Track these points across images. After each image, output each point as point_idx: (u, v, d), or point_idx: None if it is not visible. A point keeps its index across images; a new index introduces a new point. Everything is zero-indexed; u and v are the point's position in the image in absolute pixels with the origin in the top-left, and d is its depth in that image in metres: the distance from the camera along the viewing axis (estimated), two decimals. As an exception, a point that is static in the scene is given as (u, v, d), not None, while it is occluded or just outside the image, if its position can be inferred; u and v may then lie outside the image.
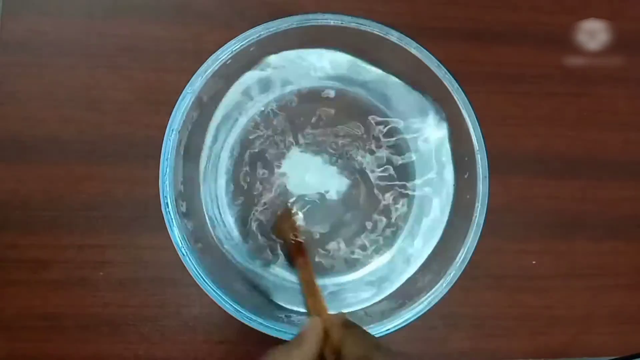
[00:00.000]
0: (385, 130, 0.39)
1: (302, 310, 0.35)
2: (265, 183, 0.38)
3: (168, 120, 0.33)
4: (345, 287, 0.38)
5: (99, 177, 0.38)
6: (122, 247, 0.38)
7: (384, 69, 0.39)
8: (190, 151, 0.36)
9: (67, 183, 0.38)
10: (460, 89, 0.35)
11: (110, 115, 0.39)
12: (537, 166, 0.43)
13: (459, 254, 0.34)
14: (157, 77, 0.40)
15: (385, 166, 0.39)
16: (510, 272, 0.41)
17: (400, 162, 0.39)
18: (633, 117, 0.44)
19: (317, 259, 0.37)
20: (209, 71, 0.33)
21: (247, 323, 0.32)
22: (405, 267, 0.38)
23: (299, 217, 0.37)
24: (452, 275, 0.33)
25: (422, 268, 0.37)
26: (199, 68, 0.33)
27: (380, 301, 0.37)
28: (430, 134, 0.39)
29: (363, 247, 0.38)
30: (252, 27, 0.34)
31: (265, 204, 0.38)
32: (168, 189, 0.32)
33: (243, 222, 0.38)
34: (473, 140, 0.35)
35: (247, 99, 0.38)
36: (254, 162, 0.38)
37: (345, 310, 0.36)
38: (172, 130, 0.33)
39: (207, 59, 0.34)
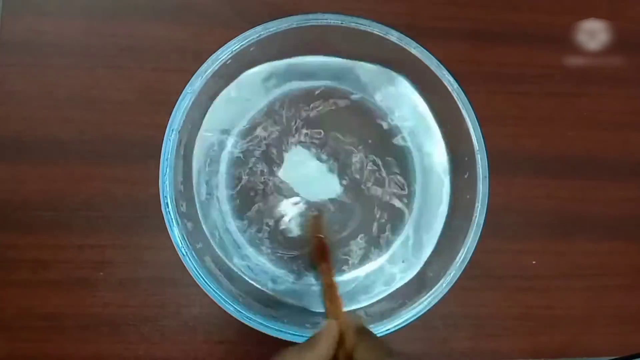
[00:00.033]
0: (384, 130, 0.39)
1: (295, 303, 0.36)
2: (264, 184, 0.38)
3: (168, 120, 0.33)
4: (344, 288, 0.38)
5: (99, 177, 0.38)
6: (122, 247, 0.38)
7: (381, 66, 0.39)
8: (190, 151, 0.36)
9: (67, 183, 0.38)
10: (460, 89, 0.35)
11: (110, 115, 0.39)
12: (537, 166, 0.43)
13: (459, 254, 0.34)
14: (157, 77, 0.40)
15: (384, 167, 0.39)
16: (510, 272, 0.41)
17: (398, 163, 0.39)
18: (633, 117, 0.44)
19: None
20: (209, 71, 0.33)
21: (247, 323, 0.32)
22: (404, 268, 0.38)
23: (322, 221, 0.37)
24: (452, 275, 0.34)
25: (422, 268, 0.37)
26: (199, 68, 0.33)
27: (380, 301, 0.37)
28: (427, 136, 0.39)
29: (360, 248, 0.38)
30: (252, 27, 0.34)
31: (262, 203, 0.38)
32: (168, 189, 0.32)
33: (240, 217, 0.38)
34: (473, 140, 0.35)
35: (245, 101, 0.38)
36: (252, 163, 0.38)
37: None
38: (172, 130, 0.33)
39: (207, 59, 0.34)
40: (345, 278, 0.38)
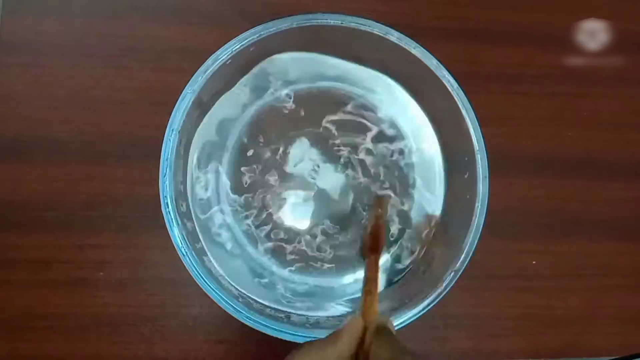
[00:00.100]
0: (382, 131, 0.39)
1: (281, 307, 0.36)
2: (266, 180, 0.38)
3: (168, 120, 0.33)
4: (345, 286, 0.38)
5: (99, 177, 0.38)
6: (122, 247, 0.38)
7: (380, 69, 0.39)
8: (190, 151, 0.36)
9: (67, 183, 0.38)
10: (460, 89, 0.35)
11: (110, 115, 0.39)
12: (537, 166, 0.43)
13: (459, 254, 0.34)
14: (157, 77, 0.40)
15: (383, 166, 0.39)
16: (510, 272, 0.41)
17: (396, 163, 0.39)
18: (633, 117, 0.44)
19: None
20: (209, 71, 0.33)
21: (247, 323, 0.32)
22: (404, 262, 0.38)
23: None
24: (452, 275, 0.34)
25: (422, 268, 0.38)
26: (199, 68, 0.33)
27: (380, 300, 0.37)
28: (422, 139, 0.39)
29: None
30: (252, 27, 0.34)
31: (262, 199, 0.38)
32: (168, 189, 0.32)
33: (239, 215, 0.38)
34: (473, 140, 0.35)
35: (246, 100, 0.38)
36: (252, 160, 0.38)
37: (345, 310, 0.37)
38: (172, 130, 0.33)
39: (207, 59, 0.34)
40: (347, 281, 0.38)
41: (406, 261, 0.38)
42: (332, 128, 0.39)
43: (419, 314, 0.33)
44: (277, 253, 0.38)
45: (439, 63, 0.35)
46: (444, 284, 0.33)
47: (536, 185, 0.42)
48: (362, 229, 0.37)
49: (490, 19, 0.44)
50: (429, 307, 0.33)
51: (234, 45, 0.34)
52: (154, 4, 0.41)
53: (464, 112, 0.35)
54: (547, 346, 0.41)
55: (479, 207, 0.34)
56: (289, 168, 0.38)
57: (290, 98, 0.39)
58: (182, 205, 0.34)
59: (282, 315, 0.35)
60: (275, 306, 0.36)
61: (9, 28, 0.39)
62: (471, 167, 0.35)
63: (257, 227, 0.38)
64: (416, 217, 0.39)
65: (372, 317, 0.28)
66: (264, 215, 0.38)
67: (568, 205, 0.43)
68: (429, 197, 0.39)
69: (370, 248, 0.33)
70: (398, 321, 0.32)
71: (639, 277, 0.43)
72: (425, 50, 0.35)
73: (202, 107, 0.36)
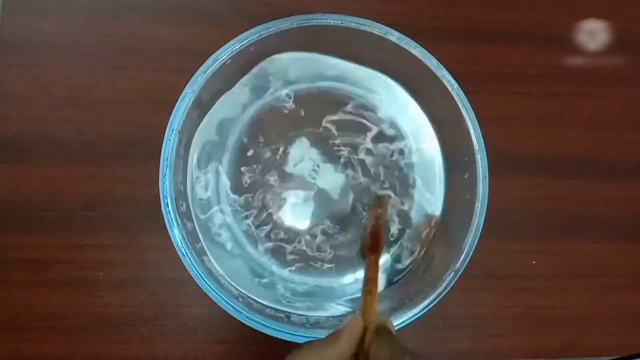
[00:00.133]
0: (382, 131, 0.39)
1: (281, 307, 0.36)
2: (266, 180, 0.38)
3: (168, 120, 0.33)
4: (344, 285, 0.38)
5: (99, 177, 0.38)
6: (122, 247, 0.38)
7: (380, 69, 0.39)
8: (190, 151, 0.36)
9: (67, 183, 0.38)
10: (460, 89, 0.35)
11: (110, 115, 0.39)
12: (537, 166, 0.43)
13: (459, 254, 0.34)
14: (157, 77, 0.40)
15: (383, 166, 0.39)
16: (510, 272, 0.41)
17: (396, 163, 0.39)
18: (633, 117, 0.44)
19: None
20: (209, 71, 0.33)
21: (247, 323, 0.32)
22: (404, 262, 0.38)
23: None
24: (452, 275, 0.34)
25: (422, 268, 0.38)
26: (199, 68, 0.33)
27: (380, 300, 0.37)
28: (422, 139, 0.39)
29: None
30: (252, 27, 0.34)
31: (262, 198, 0.38)
32: (168, 189, 0.32)
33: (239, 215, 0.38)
34: (473, 140, 0.35)
35: (246, 100, 0.38)
36: (252, 160, 0.38)
37: (345, 310, 0.37)
38: (172, 130, 0.33)
39: (207, 59, 0.34)
40: (346, 281, 0.38)
41: (406, 261, 0.38)
42: (332, 128, 0.39)
43: (419, 314, 0.33)
44: (277, 253, 0.38)
45: (439, 63, 0.35)
46: (444, 284, 0.33)
47: (536, 185, 0.42)
48: (362, 229, 0.37)
49: (490, 19, 0.44)
50: (429, 307, 0.33)
51: (234, 45, 0.34)
52: (154, 4, 0.41)
53: (464, 112, 0.35)
54: (547, 346, 0.41)
55: (479, 207, 0.34)
56: (289, 168, 0.38)
57: (290, 98, 0.39)
58: (182, 205, 0.34)
59: (282, 315, 0.35)
60: (275, 306, 0.36)
61: (9, 28, 0.39)
62: (471, 167, 0.35)
63: (257, 227, 0.38)
64: (416, 217, 0.39)
65: (372, 317, 0.28)
66: (264, 215, 0.38)
67: (568, 205, 0.43)
68: (429, 197, 0.39)
69: (370, 248, 0.33)
70: (398, 321, 0.32)
71: (639, 277, 0.43)
72: (425, 50, 0.35)
73: (202, 107, 0.36)
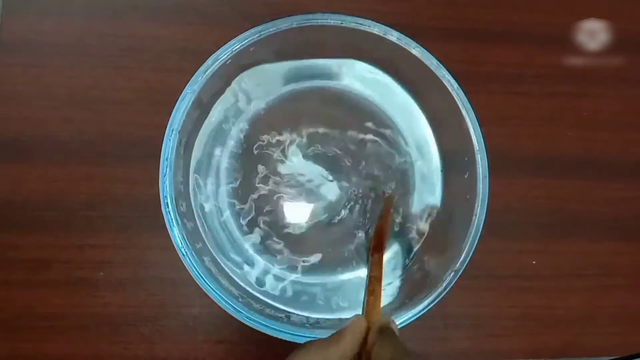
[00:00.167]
0: (382, 131, 0.39)
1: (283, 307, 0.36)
2: (265, 182, 0.38)
3: (168, 120, 0.33)
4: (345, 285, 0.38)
5: (99, 177, 0.38)
6: (122, 247, 0.38)
7: (380, 68, 0.39)
8: (190, 151, 0.36)
9: (67, 183, 0.38)
10: (460, 89, 0.35)
11: (110, 115, 0.39)
12: (537, 166, 0.43)
13: (459, 254, 0.34)
14: (157, 77, 0.40)
15: (382, 166, 0.39)
16: (510, 272, 0.41)
17: (395, 163, 0.39)
18: (633, 117, 0.44)
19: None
20: (209, 71, 0.33)
21: (247, 323, 0.32)
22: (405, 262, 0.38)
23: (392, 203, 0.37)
24: (452, 275, 0.34)
25: (422, 268, 0.38)
26: (199, 68, 0.33)
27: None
28: (422, 139, 0.39)
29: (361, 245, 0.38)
30: (252, 27, 0.34)
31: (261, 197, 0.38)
32: (168, 189, 0.32)
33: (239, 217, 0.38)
34: (473, 140, 0.35)
35: (246, 100, 0.38)
36: (251, 160, 0.38)
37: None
38: (172, 130, 0.33)
39: (207, 59, 0.34)
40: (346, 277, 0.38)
41: (406, 260, 0.38)
42: (331, 128, 0.39)
43: (419, 314, 0.33)
44: (275, 253, 0.38)
45: (439, 63, 0.35)
46: (444, 284, 0.33)
47: (536, 185, 0.42)
48: (364, 228, 0.38)
49: (490, 19, 0.44)
50: (429, 307, 0.33)
51: (234, 45, 0.34)
52: (154, 4, 0.41)
53: (464, 112, 0.35)
54: (547, 346, 0.41)
55: (479, 207, 0.34)
56: (287, 168, 0.38)
57: (290, 98, 0.39)
58: (182, 205, 0.34)
59: (282, 315, 0.35)
60: (275, 304, 0.36)
61: (9, 28, 0.39)
62: (471, 167, 0.35)
63: (256, 227, 0.38)
64: (416, 217, 0.39)
65: (375, 317, 0.28)
66: (262, 215, 0.38)
67: (568, 205, 0.43)
68: (429, 197, 0.39)
69: (374, 247, 0.33)
70: (398, 321, 0.32)
71: (639, 277, 0.43)
72: (425, 50, 0.35)
73: (202, 107, 0.36)
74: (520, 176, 0.42)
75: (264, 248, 0.38)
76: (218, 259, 0.36)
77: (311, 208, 0.38)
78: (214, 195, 0.38)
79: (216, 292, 0.32)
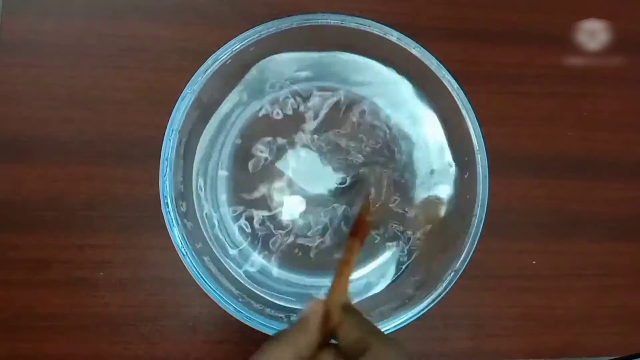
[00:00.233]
0: (382, 131, 0.39)
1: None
2: (261, 184, 0.38)
3: (168, 120, 0.33)
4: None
5: (99, 177, 0.38)
6: (122, 247, 0.38)
7: (385, 64, 0.39)
8: (190, 151, 0.36)
9: (67, 183, 0.38)
10: (460, 89, 0.35)
11: (110, 115, 0.39)
12: (537, 166, 0.43)
13: (459, 254, 0.34)
14: (157, 77, 0.40)
15: (382, 166, 0.39)
16: (510, 272, 0.41)
17: (395, 162, 0.39)
18: (633, 117, 0.44)
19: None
20: (209, 71, 0.33)
21: (247, 323, 0.32)
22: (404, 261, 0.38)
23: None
24: (452, 275, 0.34)
25: (422, 268, 0.38)
26: (199, 68, 0.33)
27: (379, 300, 0.37)
28: (429, 135, 0.39)
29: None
30: (252, 27, 0.34)
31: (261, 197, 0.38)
32: (168, 189, 0.32)
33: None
34: (473, 140, 0.35)
35: (245, 100, 0.38)
36: (251, 160, 0.38)
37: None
38: (172, 130, 0.33)
39: (207, 59, 0.34)
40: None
41: (406, 260, 0.38)
42: (331, 128, 0.39)
43: (419, 314, 0.33)
44: (274, 253, 0.38)
45: (439, 63, 0.35)
46: (444, 284, 0.33)
47: (536, 185, 0.42)
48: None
49: (490, 19, 0.44)
50: (429, 307, 0.33)
51: (234, 45, 0.34)
52: (154, 4, 0.41)
53: (464, 112, 0.35)
54: (547, 346, 0.41)
55: (479, 207, 0.34)
56: (287, 169, 0.38)
57: (290, 98, 0.39)
58: (182, 205, 0.34)
59: (282, 315, 0.35)
60: (275, 302, 0.36)
61: (9, 28, 0.39)
62: (471, 167, 0.35)
63: (255, 227, 0.38)
64: (416, 216, 0.39)
65: (341, 296, 0.28)
66: (261, 216, 0.38)
67: (568, 205, 0.43)
68: (429, 197, 0.39)
69: (350, 232, 0.33)
70: (398, 321, 0.33)
71: (639, 277, 0.43)
72: (425, 50, 0.35)
73: (202, 107, 0.36)
74: (520, 176, 0.42)
75: (262, 246, 0.38)
76: (220, 258, 0.36)
77: (312, 210, 0.38)
78: (213, 196, 0.38)
79: (216, 292, 0.32)
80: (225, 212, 0.38)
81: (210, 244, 0.37)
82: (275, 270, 0.38)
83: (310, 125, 0.39)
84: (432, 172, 0.39)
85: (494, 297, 0.41)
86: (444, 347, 0.40)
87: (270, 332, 0.32)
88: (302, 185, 0.38)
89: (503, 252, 0.41)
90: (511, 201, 0.42)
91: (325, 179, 0.38)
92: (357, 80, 0.39)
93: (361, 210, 0.35)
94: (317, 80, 0.39)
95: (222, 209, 0.38)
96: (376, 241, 0.38)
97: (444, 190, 0.38)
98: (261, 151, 0.38)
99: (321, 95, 0.39)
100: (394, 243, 0.39)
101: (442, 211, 0.38)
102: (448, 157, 0.39)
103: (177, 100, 0.33)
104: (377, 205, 0.37)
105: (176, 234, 0.32)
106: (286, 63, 0.38)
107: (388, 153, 0.39)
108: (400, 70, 0.38)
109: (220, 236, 0.37)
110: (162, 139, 0.33)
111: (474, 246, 0.34)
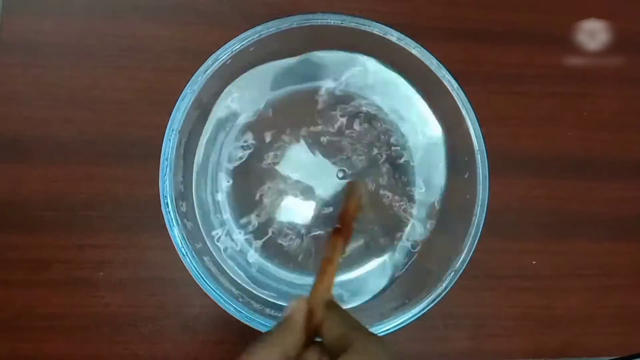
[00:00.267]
0: (382, 131, 0.39)
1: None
2: (265, 181, 0.38)
3: (168, 120, 0.33)
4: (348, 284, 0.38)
5: (99, 177, 0.38)
6: (122, 247, 0.38)
7: (384, 64, 0.39)
8: (190, 151, 0.36)
9: (67, 183, 0.38)
10: (460, 89, 0.35)
11: (110, 115, 0.39)
12: (537, 166, 0.43)
13: (459, 254, 0.34)
14: (157, 77, 0.40)
15: (383, 166, 0.39)
16: (510, 272, 0.41)
17: (398, 162, 0.39)
18: (633, 117, 0.44)
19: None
20: (209, 71, 0.33)
21: (247, 323, 0.32)
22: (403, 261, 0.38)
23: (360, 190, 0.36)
24: (452, 275, 0.34)
25: (422, 268, 0.38)
26: (199, 68, 0.33)
27: (379, 300, 0.37)
28: (426, 136, 0.39)
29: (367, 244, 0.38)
30: (252, 27, 0.34)
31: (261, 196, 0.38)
32: (168, 189, 0.32)
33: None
34: (473, 140, 0.35)
35: (244, 100, 0.38)
36: (250, 160, 0.38)
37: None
38: (172, 130, 0.33)
39: (207, 59, 0.34)
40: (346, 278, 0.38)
41: (405, 259, 0.38)
42: (331, 128, 0.39)
43: (419, 314, 0.33)
44: (274, 253, 0.38)
45: (439, 63, 0.35)
46: (444, 284, 0.33)
47: (536, 185, 0.42)
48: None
49: (490, 19, 0.44)
50: (429, 307, 0.33)
51: (234, 45, 0.34)
52: (154, 4, 0.41)
53: (464, 112, 0.35)
54: (547, 346, 0.41)
55: (479, 207, 0.34)
56: (286, 169, 0.38)
57: (289, 98, 0.39)
58: (182, 205, 0.34)
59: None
60: (275, 302, 0.36)
61: (9, 28, 0.39)
62: (471, 167, 0.35)
63: (255, 227, 0.38)
64: (415, 216, 0.39)
65: (324, 294, 0.28)
66: (261, 216, 0.38)
67: (568, 205, 0.43)
68: (429, 197, 0.39)
69: (333, 230, 0.32)
70: (398, 321, 0.33)
71: (639, 277, 0.43)
72: (425, 50, 0.35)
73: (202, 107, 0.36)
74: (520, 176, 0.42)
75: (263, 246, 0.38)
76: (218, 258, 0.36)
77: (313, 210, 0.38)
78: (213, 197, 0.38)
79: (216, 292, 0.32)
80: (225, 212, 0.38)
81: (212, 244, 0.37)
82: (276, 270, 0.38)
83: (310, 123, 0.39)
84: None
85: (494, 297, 0.41)
86: (444, 347, 0.40)
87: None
88: (304, 180, 0.38)
89: (503, 252, 0.41)
90: (511, 201, 0.42)
91: (325, 174, 0.38)
92: (357, 80, 0.39)
93: (346, 207, 0.34)
94: (317, 79, 0.39)
95: (223, 209, 0.38)
96: (378, 241, 0.38)
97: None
98: (261, 151, 0.38)
99: (321, 94, 0.39)
100: (394, 243, 0.39)
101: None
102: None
103: (177, 100, 0.33)
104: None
105: (176, 234, 0.32)
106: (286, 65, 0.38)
107: (386, 153, 0.39)
108: (400, 70, 0.38)
109: (221, 236, 0.37)
110: (162, 139, 0.33)
111: (474, 246, 0.34)
